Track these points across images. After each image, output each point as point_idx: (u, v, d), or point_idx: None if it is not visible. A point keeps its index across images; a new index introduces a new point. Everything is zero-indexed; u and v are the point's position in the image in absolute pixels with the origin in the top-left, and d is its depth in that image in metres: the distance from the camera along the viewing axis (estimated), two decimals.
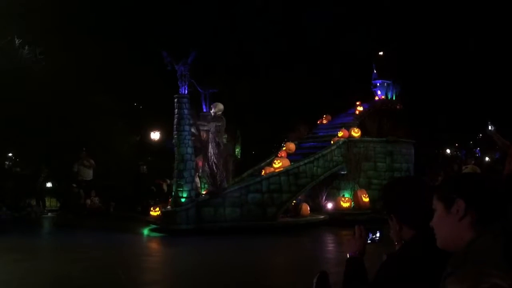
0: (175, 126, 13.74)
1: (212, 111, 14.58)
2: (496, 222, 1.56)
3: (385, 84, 20.71)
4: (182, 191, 13.47)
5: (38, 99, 17.10)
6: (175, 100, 13.76)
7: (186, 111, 13.71)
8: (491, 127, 8.79)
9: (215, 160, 14.47)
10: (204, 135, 14.31)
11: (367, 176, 16.50)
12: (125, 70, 20.11)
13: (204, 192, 14.50)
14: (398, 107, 20.44)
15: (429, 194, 1.83)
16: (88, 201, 17.35)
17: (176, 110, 13.71)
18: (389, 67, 20.77)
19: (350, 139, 16.64)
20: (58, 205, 18.41)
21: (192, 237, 12.33)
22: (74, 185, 17.42)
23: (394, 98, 20.68)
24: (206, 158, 14.55)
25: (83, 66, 18.70)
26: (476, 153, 32.58)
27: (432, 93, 24.80)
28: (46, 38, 17.05)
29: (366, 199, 15.88)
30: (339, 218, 15.01)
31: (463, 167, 10.37)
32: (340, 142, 16.30)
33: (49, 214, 17.34)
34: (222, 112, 14.49)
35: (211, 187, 14.16)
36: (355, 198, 15.96)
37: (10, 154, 21.82)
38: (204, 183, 15.25)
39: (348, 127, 17.27)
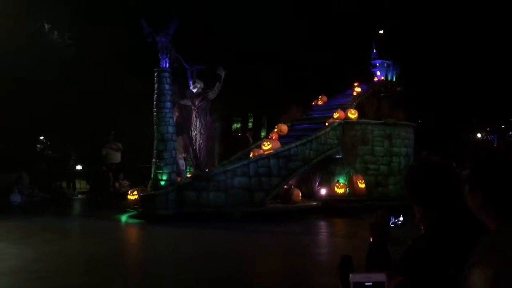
0: (154, 102, 12.62)
1: (198, 86, 13.48)
2: None
3: (385, 64, 19.68)
4: (161, 174, 12.38)
5: (68, 84, 17.02)
6: (155, 74, 12.62)
7: (167, 86, 12.58)
8: None
9: (200, 141, 13.41)
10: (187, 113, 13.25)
11: (363, 160, 15.40)
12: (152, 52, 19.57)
13: (189, 176, 13.43)
14: (398, 89, 19.38)
15: (455, 178, 1.97)
16: (117, 184, 17.54)
17: (156, 85, 12.57)
18: (390, 46, 19.65)
19: (346, 121, 15.52)
20: (88, 187, 18.94)
21: (172, 224, 11.22)
22: (103, 168, 17.55)
23: (394, 80, 19.61)
24: (190, 139, 13.50)
25: (112, 50, 18.26)
26: (510, 137, 30.85)
27: (436, 75, 23.38)
28: (75, 23, 17.09)
29: (362, 185, 14.83)
30: (333, 205, 14.02)
31: None
32: (335, 124, 15.18)
33: (79, 196, 17.79)
34: (205, 89, 13.41)
35: (195, 170, 13.10)
36: (350, 184, 14.91)
37: (42, 137, 22.05)
38: (190, 166, 14.21)
39: (344, 109, 16.15)
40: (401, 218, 2.33)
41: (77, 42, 17.40)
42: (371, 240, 2.22)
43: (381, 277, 1.72)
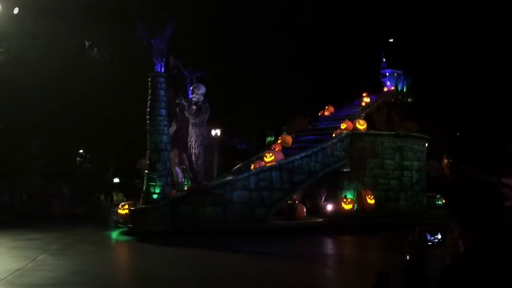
0: (148, 109, 11.77)
1: (196, 93, 12.65)
2: None
3: (395, 74, 18.77)
4: (154, 186, 11.48)
5: (105, 100, 17.04)
6: (149, 79, 11.79)
7: (162, 92, 11.75)
8: None
9: (196, 152, 12.52)
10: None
11: (373, 174, 14.38)
12: None
13: (186, 189, 12.51)
14: (409, 99, 18.43)
15: (497, 195, 1.98)
16: None
17: (150, 91, 11.75)
18: (401, 55, 18.76)
19: (354, 132, 14.56)
20: (124, 199, 18.64)
21: (162, 242, 10.13)
22: (138, 180, 17.17)
23: (405, 90, 18.68)
24: (186, 149, 12.62)
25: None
26: None
27: (450, 85, 22.24)
28: (112, 40, 17.35)
29: (371, 201, 13.81)
30: (340, 222, 13.00)
31: None
32: (343, 135, 14.22)
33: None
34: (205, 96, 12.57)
35: (191, 183, 12.20)
36: (358, 200, 13.91)
37: (81, 151, 22.69)
38: (188, 179, 13.30)
39: (352, 119, 15.20)
40: (439, 236, 2.29)
41: (114, 57, 17.85)
42: (407, 258, 2.23)
43: None
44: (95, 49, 17.54)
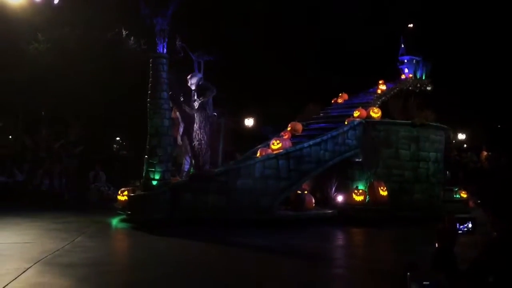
0: (149, 92, 11.26)
1: (193, 81, 12.12)
2: None
3: (414, 61, 17.91)
4: (154, 172, 10.99)
5: (142, 87, 17.02)
6: (150, 60, 11.26)
7: (164, 74, 11.22)
8: None
9: (200, 138, 11.98)
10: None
11: (386, 165, 13.63)
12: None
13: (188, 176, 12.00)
14: (428, 88, 17.56)
15: None
16: None
17: (152, 72, 11.23)
18: (420, 41, 17.87)
19: (367, 120, 13.82)
20: None
21: (160, 231, 9.61)
22: (173, 168, 17.14)
23: (424, 78, 17.79)
24: (189, 135, 12.10)
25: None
26: None
27: (472, 72, 21.12)
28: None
29: (384, 193, 13.10)
30: (350, 214, 12.37)
31: None
32: (355, 123, 13.50)
33: None
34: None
35: (194, 170, 11.69)
36: (370, 191, 13.21)
37: (118, 138, 23.26)
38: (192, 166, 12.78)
39: (366, 107, 14.46)
40: (469, 225, 2.39)
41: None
42: (436, 246, 2.30)
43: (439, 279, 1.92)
44: (132, 38, 17.49)
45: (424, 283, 1.87)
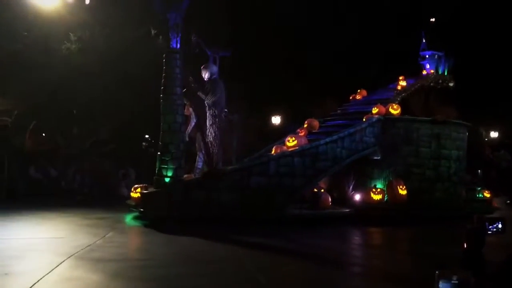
0: (162, 88, 11.10)
1: (206, 75, 11.91)
2: None
3: (436, 56, 17.45)
4: (166, 169, 10.83)
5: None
6: (164, 55, 11.09)
7: (177, 70, 11.03)
8: None
9: (213, 135, 11.78)
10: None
11: (406, 163, 13.23)
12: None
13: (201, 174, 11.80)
14: (450, 84, 17.04)
15: None
16: None
17: (165, 68, 11.05)
18: (442, 36, 17.34)
19: (386, 117, 13.44)
20: None
21: (170, 229, 9.35)
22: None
23: (446, 74, 17.27)
24: (202, 132, 11.91)
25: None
26: None
27: (498, 67, 20.40)
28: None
29: (403, 192, 12.72)
30: (368, 213, 12.01)
31: None
32: (374, 120, 13.13)
33: None
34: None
35: (206, 167, 11.49)
36: (389, 190, 12.85)
37: (147, 136, 23.44)
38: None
39: (385, 104, 14.07)
40: (499, 225, 2.46)
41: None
42: (465, 246, 2.40)
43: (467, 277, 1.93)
44: (160, 37, 17.56)
45: (453, 281, 1.89)
